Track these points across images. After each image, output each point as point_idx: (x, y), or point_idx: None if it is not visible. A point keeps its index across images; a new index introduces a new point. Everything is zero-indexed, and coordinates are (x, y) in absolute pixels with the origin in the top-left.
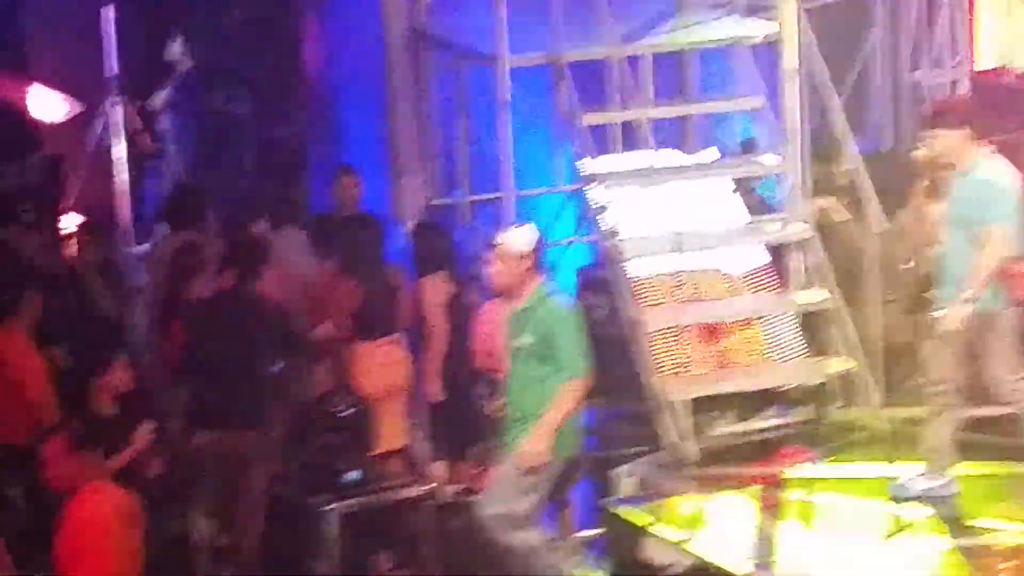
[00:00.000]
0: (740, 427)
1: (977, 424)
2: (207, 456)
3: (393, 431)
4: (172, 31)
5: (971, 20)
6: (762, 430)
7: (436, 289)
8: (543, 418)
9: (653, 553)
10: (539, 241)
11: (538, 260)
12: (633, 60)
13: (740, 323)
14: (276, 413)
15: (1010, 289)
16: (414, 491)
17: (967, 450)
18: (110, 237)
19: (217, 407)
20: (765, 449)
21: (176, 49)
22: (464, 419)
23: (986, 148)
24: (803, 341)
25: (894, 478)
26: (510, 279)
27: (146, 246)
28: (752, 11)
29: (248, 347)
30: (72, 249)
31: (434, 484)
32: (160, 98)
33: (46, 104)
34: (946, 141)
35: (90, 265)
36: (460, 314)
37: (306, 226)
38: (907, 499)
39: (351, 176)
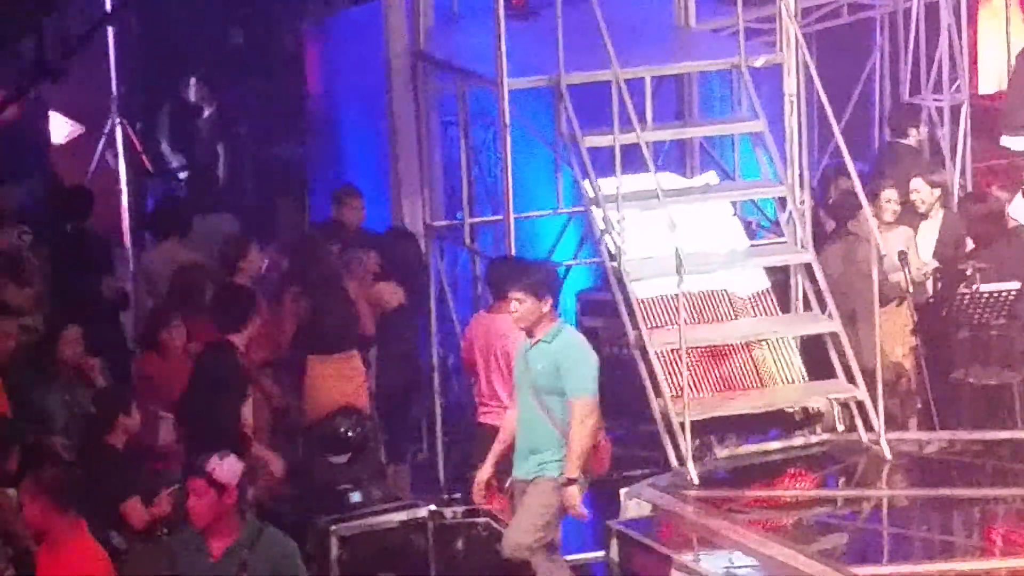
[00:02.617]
0: (742, 450)
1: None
2: None
3: None
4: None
5: (973, 44)
6: (764, 453)
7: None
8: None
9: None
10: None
11: (240, 496)
12: (634, 83)
13: (743, 346)
14: None
15: (586, 461)
16: (416, 512)
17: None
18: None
19: None
20: (767, 472)
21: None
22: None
23: (559, 320)
24: (804, 364)
25: None
26: (211, 514)
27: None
28: (753, 35)
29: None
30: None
31: (433, 506)
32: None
33: (63, 132)
34: (526, 306)
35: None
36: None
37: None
38: None
39: (355, 196)
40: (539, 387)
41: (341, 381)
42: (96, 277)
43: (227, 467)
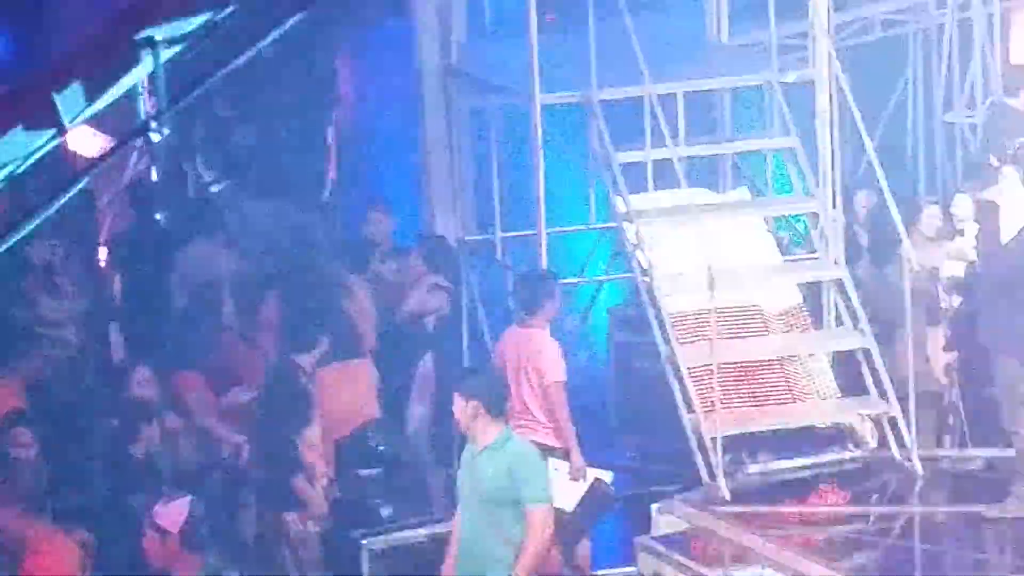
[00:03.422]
0: (773, 466)
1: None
2: None
3: None
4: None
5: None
6: (795, 469)
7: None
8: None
9: None
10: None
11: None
12: (666, 99)
13: (775, 361)
14: None
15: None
16: (446, 526)
17: None
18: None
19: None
20: (798, 488)
21: None
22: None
23: (505, 426)
24: (836, 380)
25: None
26: (157, 557)
27: None
28: (785, 51)
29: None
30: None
31: None
32: None
33: (80, 139)
34: (460, 409)
35: None
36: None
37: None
38: None
39: (380, 212)
40: (490, 497)
41: (346, 388)
42: None
43: (170, 513)
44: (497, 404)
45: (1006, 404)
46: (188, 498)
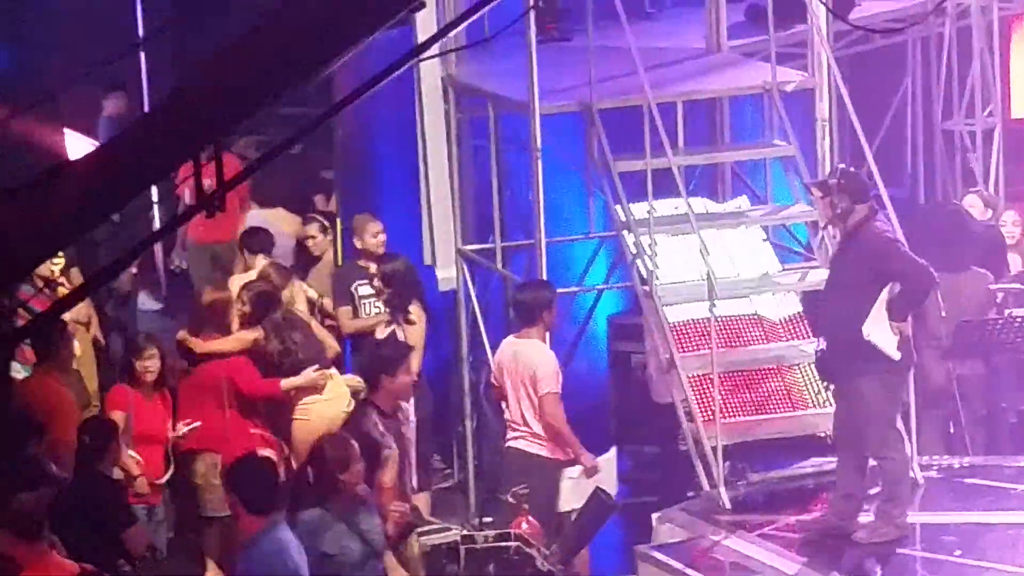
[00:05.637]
0: (774, 474)
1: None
2: None
3: None
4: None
5: (1005, 69)
6: (797, 477)
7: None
8: None
9: None
10: None
11: None
12: (665, 107)
13: (775, 370)
14: None
15: None
16: (447, 536)
17: None
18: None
19: None
20: (799, 497)
21: None
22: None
23: (269, 519)
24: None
25: None
26: None
27: None
28: (785, 59)
29: None
30: None
31: (464, 529)
32: None
33: (79, 151)
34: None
35: None
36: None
37: None
38: None
39: (374, 222)
40: None
41: (332, 405)
42: None
43: None
44: (255, 500)
45: (874, 429)
46: None
